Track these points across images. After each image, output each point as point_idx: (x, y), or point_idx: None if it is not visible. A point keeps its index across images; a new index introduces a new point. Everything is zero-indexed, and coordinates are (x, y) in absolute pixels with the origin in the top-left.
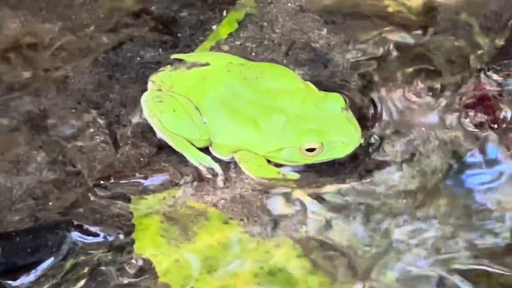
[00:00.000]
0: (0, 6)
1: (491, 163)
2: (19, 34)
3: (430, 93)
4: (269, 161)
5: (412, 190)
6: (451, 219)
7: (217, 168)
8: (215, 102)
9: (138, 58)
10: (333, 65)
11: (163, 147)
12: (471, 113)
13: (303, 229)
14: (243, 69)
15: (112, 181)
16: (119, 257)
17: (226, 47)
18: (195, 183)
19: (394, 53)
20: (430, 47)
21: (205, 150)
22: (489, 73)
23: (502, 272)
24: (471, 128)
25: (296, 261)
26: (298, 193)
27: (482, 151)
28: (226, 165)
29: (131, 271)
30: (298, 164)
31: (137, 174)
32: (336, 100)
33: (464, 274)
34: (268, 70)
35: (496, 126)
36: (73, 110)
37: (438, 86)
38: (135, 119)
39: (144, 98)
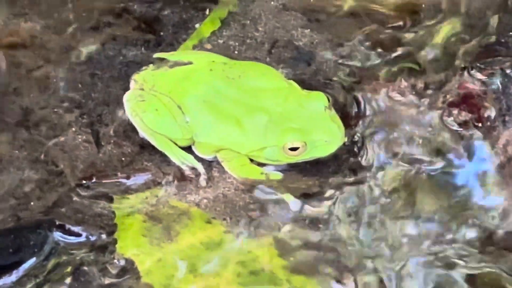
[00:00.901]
0: None
1: (475, 161)
2: (2, 32)
3: (414, 92)
4: (252, 161)
5: (396, 188)
6: (435, 217)
7: (200, 167)
8: (198, 101)
9: (121, 57)
10: (316, 63)
11: (145, 146)
12: (455, 112)
13: (286, 228)
14: (226, 68)
15: (94, 180)
16: (102, 257)
17: (209, 46)
18: (177, 183)
19: (378, 51)
20: (414, 45)
21: (188, 149)
22: (473, 71)
23: (487, 269)
24: (455, 126)
25: (279, 261)
26: (281, 193)
27: (466, 149)
28: (208, 165)
29: (114, 271)
30: (281, 163)
31: (120, 174)
32: (319, 99)
33: (448, 271)
34: (251, 68)
35: (480, 124)
36: (55, 109)
37: (421, 84)
38: (118, 118)
39: (127, 97)
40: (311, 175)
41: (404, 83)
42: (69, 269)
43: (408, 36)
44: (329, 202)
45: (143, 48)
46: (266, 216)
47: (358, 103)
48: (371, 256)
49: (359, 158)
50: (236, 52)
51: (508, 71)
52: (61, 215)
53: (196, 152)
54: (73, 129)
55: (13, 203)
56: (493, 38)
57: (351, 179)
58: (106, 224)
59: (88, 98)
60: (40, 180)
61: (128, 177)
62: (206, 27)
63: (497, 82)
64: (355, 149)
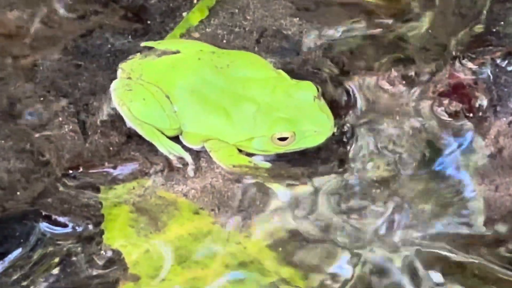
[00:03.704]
0: None
1: (465, 152)
2: None
3: (404, 81)
4: (240, 151)
5: (385, 178)
6: (425, 208)
7: (188, 157)
8: (186, 91)
9: (108, 46)
10: (305, 52)
11: (132, 136)
12: (446, 102)
13: (275, 219)
14: (214, 57)
15: (81, 170)
16: (88, 248)
17: (196, 35)
18: (165, 173)
19: (368, 41)
20: (404, 35)
21: (175, 139)
22: (464, 61)
23: (476, 261)
24: (445, 117)
25: (268, 252)
26: (270, 183)
27: (457, 140)
28: (196, 155)
29: (100, 262)
30: (270, 154)
31: (106, 164)
32: (308, 88)
33: (438, 263)
34: (240, 58)
35: (471, 115)
36: (42, 99)
37: (412, 74)
38: (104, 108)
39: (114, 87)
40: (300, 165)
41: (394, 73)
42: (55, 260)
43: (399, 25)
44: (317, 192)
45: (130, 37)
46: (254, 206)
47: (348, 93)
48: (360, 247)
49: (348, 148)
50: (224, 41)
51: (498, 61)
52: (47, 206)
53: (184, 142)
54: (60, 118)
55: None
56: (484, 28)
57: (340, 169)
58: (92, 214)
59: (74, 87)
60: (26, 170)
61: (115, 167)
62: (194, 16)
63: (487, 71)
64: (344, 139)
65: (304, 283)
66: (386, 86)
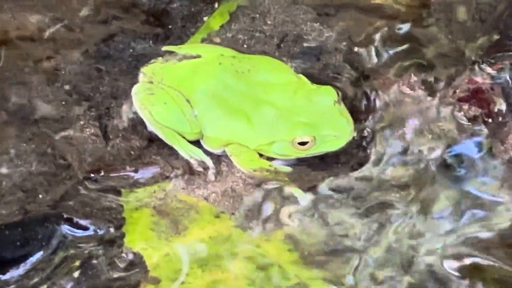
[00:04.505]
0: None
1: (485, 157)
2: (10, 25)
3: (424, 86)
4: (261, 155)
5: (405, 183)
6: (444, 212)
7: (208, 161)
8: (206, 95)
9: (129, 50)
10: (325, 57)
11: (153, 140)
12: (465, 107)
13: (295, 223)
14: (234, 61)
15: (102, 174)
16: (110, 250)
17: (217, 39)
18: (186, 177)
19: (388, 46)
20: (424, 40)
21: (196, 143)
22: (483, 66)
23: (496, 265)
24: (464, 121)
25: (288, 255)
26: (290, 187)
27: (476, 144)
28: (217, 159)
29: (122, 265)
30: (290, 158)
31: (128, 167)
32: (328, 93)
33: (458, 267)
34: (260, 62)
35: (490, 119)
36: (63, 102)
37: (431, 79)
38: (126, 112)
39: (135, 91)
40: (320, 169)
41: (414, 78)
42: (77, 262)
43: (418, 31)
44: (338, 197)
45: (151, 42)
46: (275, 210)
47: (368, 98)
48: (379, 251)
49: (368, 153)
50: (245, 45)
51: None
52: (69, 209)
53: (205, 146)
54: (81, 122)
55: (21, 196)
56: (503, 33)
57: (360, 173)
58: (114, 218)
59: (96, 91)
60: (48, 173)
61: (136, 171)
62: (215, 21)
63: (506, 76)
64: (364, 144)
65: (324, 286)
66: (406, 91)
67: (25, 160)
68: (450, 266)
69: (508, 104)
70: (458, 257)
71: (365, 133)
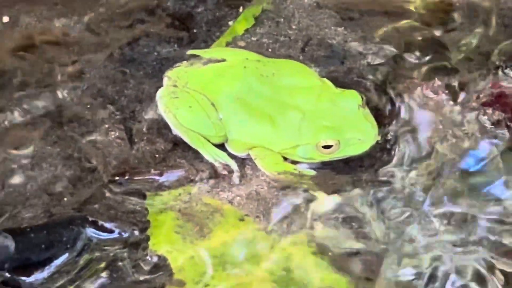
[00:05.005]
0: (16, 1)
1: (507, 160)
2: (35, 29)
3: (447, 90)
4: (285, 158)
5: (428, 186)
6: (468, 217)
7: (233, 164)
8: (231, 99)
9: (154, 54)
10: (349, 61)
11: (178, 143)
12: (489, 111)
13: (319, 226)
14: (259, 65)
15: (127, 177)
16: (134, 253)
17: (242, 43)
18: (210, 180)
19: (411, 50)
20: (447, 44)
21: (221, 146)
22: (506, 70)
23: None
24: (488, 126)
25: (312, 259)
26: (314, 191)
27: (499, 148)
28: (241, 162)
29: (146, 268)
30: (314, 161)
31: (152, 170)
32: (352, 97)
33: (478, 270)
34: (285, 66)
35: None
36: (88, 106)
37: (455, 83)
38: (151, 115)
39: (160, 94)
40: (344, 173)
41: (438, 82)
42: (102, 265)
43: (442, 35)
44: (361, 200)
45: (176, 45)
46: (299, 213)
47: (392, 102)
48: (403, 255)
49: (392, 157)
50: (269, 49)
51: None
52: (94, 211)
53: (229, 150)
54: (106, 125)
55: (46, 199)
56: None
57: (384, 177)
58: (139, 220)
59: (121, 94)
60: (73, 176)
61: (161, 174)
62: (240, 25)
63: None
64: (388, 147)
65: None
66: (430, 95)
67: (50, 163)
68: (470, 269)
69: None
70: (480, 263)
71: (389, 137)
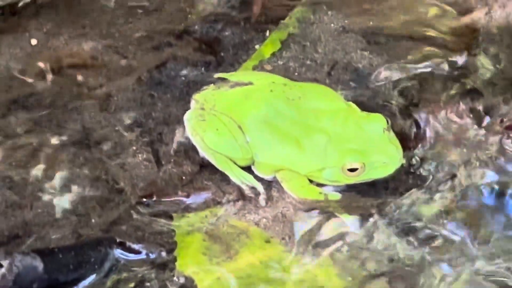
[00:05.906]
0: (44, 23)
1: None
2: (63, 52)
3: (472, 114)
4: (311, 181)
5: (452, 209)
6: (491, 241)
7: (259, 187)
8: (258, 121)
9: (182, 77)
10: (375, 85)
11: (205, 166)
12: None
13: (345, 248)
14: (286, 88)
15: (154, 199)
16: (162, 274)
17: (269, 67)
18: (237, 202)
19: (436, 74)
20: (472, 69)
21: (248, 169)
22: None
23: None
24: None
25: (338, 281)
26: (340, 213)
27: None
28: (268, 184)
29: None
30: (340, 184)
31: (180, 192)
32: (378, 121)
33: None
34: (311, 90)
35: None
36: (116, 128)
37: (480, 107)
38: (178, 138)
39: (187, 117)
40: (369, 195)
41: (462, 106)
42: (129, 285)
43: (466, 59)
44: (387, 223)
45: (203, 69)
46: (324, 236)
47: (417, 125)
48: (427, 276)
49: (417, 180)
50: (296, 73)
51: None
52: (122, 233)
53: (256, 172)
54: (134, 147)
55: (74, 220)
56: None
57: (409, 201)
58: (166, 242)
59: (148, 117)
60: (101, 197)
61: (188, 196)
62: (266, 48)
63: None
64: (413, 171)
65: None
66: (454, 118)
67: (79, 185)
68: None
69: None
70: (504, 283)
71: (414, 161)
